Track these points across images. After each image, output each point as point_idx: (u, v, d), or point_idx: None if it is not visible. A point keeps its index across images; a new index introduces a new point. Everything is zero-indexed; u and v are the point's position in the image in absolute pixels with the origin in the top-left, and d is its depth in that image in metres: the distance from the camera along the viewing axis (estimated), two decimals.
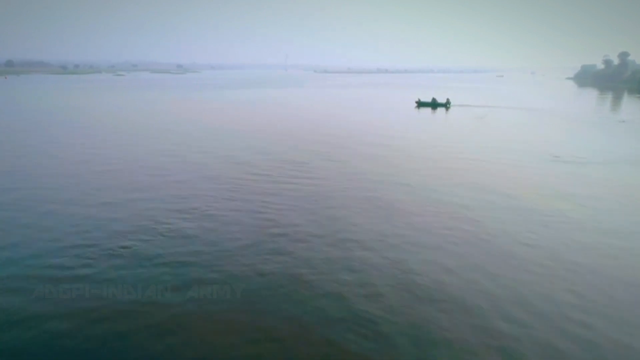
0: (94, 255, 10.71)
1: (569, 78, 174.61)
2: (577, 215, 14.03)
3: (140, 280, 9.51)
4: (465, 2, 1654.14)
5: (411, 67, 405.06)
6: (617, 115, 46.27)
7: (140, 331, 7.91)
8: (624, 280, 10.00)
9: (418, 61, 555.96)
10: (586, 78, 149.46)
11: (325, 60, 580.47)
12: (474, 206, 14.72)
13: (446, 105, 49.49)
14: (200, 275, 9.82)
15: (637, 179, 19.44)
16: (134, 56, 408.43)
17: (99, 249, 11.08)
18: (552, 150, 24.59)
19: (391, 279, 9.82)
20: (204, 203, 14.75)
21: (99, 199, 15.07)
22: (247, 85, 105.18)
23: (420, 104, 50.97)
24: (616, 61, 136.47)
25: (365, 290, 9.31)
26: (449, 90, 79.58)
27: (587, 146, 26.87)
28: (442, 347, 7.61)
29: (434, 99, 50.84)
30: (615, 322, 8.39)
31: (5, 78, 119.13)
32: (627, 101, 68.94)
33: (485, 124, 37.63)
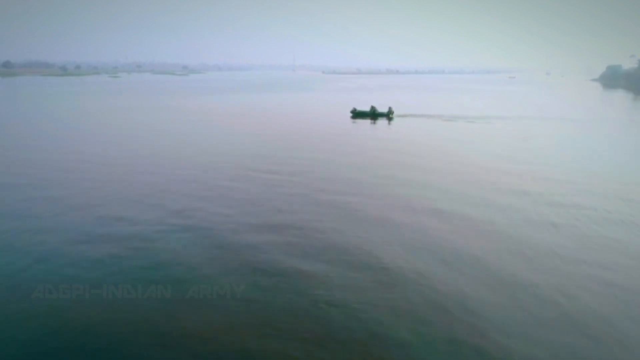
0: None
1: (594, 79, 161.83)
2: None
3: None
4: (477, 1, 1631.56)
5: (422, 67, 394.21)
6: None
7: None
8: None
9: (429, 62, 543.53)
10: (616, 79, 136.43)
11: (333, 60, 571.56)
12: None
13: (388, 115, 40.65)
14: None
15: None
16: (141, 56, 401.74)
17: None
18: None
19: None
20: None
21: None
22: (241, 89, 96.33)
23: (356, 114, 41.67)
24: None
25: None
26: (475, 92, 69.75)
27: None
28: None
29: (373, 108, 41.67)
30: None
31: None
32: None
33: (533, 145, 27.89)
